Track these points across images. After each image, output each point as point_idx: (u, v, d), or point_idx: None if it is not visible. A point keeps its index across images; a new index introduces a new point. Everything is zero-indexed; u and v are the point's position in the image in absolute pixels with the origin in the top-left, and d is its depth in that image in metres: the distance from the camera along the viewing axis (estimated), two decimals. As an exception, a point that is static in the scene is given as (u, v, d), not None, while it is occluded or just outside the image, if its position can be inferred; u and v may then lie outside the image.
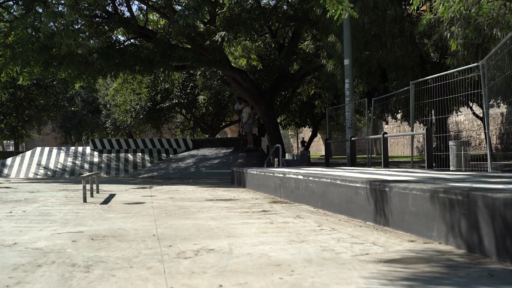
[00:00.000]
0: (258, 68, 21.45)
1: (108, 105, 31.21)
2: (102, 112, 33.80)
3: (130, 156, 18.65)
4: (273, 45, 21.39)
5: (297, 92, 25.01)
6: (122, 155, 18.75)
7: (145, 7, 17.97)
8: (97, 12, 15.17)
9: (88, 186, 7.25)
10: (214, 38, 14.41)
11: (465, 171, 7.60)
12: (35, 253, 3.06)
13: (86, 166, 17.85)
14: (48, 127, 42.05)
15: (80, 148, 19.88)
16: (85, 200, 6.61)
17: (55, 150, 19.38)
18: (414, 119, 10.47)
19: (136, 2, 18.06)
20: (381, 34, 12.25)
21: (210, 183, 11.35)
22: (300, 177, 6.09)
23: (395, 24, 12.02)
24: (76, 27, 14.18)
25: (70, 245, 3.35)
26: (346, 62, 12.51)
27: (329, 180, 5.17)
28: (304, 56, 18.27)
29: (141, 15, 19.03)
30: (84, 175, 7.02)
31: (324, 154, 18.86)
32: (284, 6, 17.96)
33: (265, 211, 5.28)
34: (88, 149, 19.41)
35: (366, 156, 13.28)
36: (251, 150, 17.52)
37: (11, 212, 5.42)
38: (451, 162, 8.10)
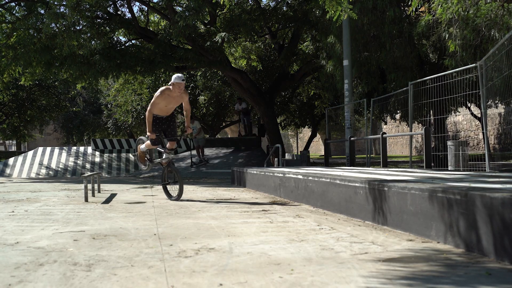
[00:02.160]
0: (258, 69, 21.48)
1: (109, 106, 31.24)
2: (104, 112, 33.83)
3: (131, 156, 18.68)
4: (273, 46, 21.42)
5: (296, 92, 25.03)
6: (123, 155, 18.78)
7: (146, 8, 18.00)
8: (98, 13, 15.20)
9: (89, 186, 7.28)
10: (214, 39, 14.43)
11: (463, 171, 7.62)
12: (37, 252, 3.09)
13: (88, 166, 17.89)
14: (50, 127, 42.10)
15: (81, 148, 19.92)
16: (86, 200, 6.64)
17: (56, 150, 19.42)
18: (412, 119, 10.48)
19: (137, 3, 18.06)
20: (380, 35, 12.26)
21: (210, 183, 11.36)
22: (300, 176, 6.11)
23: (394, 25, 12.04)
24: (78, 28, 14.21)
25: (72, 244, 3.38)
26: (346, 62, 12.54)
27: (328, 180, 5.20)
28: (304, 56, 18.30)
29: (142, 16, 19.06)
30: (86, 174, 7.05)
31: (323, 154, 18.85)
32: (284, 7, 17.98)
33: (265, 210, 5.30)
34: (89, 149, 19.46)
35: (365, 156, 13.29)
36: (201, 164, 16.42)
37: (13, 211, 5.45)
38: (450, 162, 8.11)
